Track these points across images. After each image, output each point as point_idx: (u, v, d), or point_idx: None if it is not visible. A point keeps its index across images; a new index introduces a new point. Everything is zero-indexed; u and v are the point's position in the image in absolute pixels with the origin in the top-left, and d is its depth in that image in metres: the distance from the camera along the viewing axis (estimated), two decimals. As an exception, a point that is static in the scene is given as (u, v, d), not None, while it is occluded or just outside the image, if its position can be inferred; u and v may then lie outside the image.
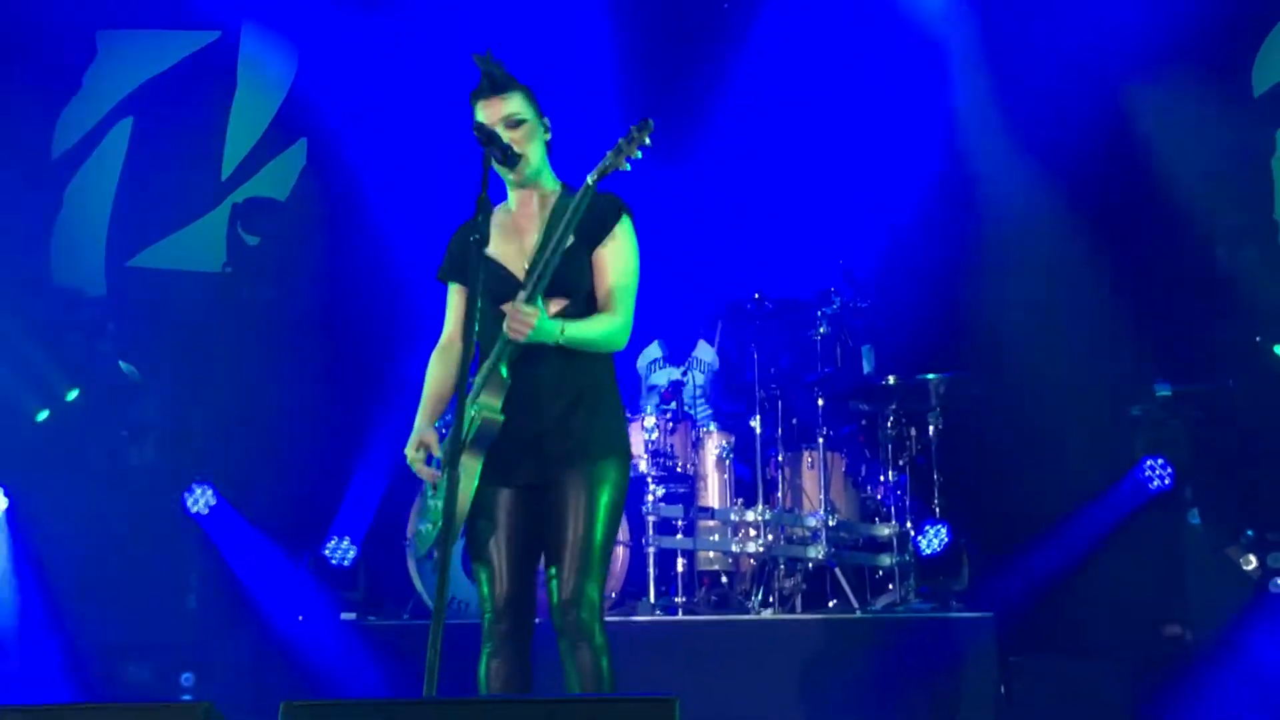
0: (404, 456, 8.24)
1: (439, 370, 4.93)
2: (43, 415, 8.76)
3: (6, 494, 8.29)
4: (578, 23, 9.27)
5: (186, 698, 7.85)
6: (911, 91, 9.27)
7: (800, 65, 9.31)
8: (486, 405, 4.60)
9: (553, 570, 4.60)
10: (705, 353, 8.44)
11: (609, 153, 4.62)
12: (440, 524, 4.52)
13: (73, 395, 8.93)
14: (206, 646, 8.18)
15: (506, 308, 4.55)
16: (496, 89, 4.80)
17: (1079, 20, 8.99)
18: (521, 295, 4.55)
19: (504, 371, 4.60)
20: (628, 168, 4.62)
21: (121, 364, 9.06)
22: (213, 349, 8.95)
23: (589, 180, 4.61)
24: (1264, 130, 9.24)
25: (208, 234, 9.63)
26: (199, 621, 8.44)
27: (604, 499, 4.65)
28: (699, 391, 8.21)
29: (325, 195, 9.65)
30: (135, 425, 9.00)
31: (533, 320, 4.50)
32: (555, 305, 4.67)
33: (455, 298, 4.98)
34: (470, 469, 4.60)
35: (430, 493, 4.76)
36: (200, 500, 8.24)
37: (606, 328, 4.73)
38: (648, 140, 4.59)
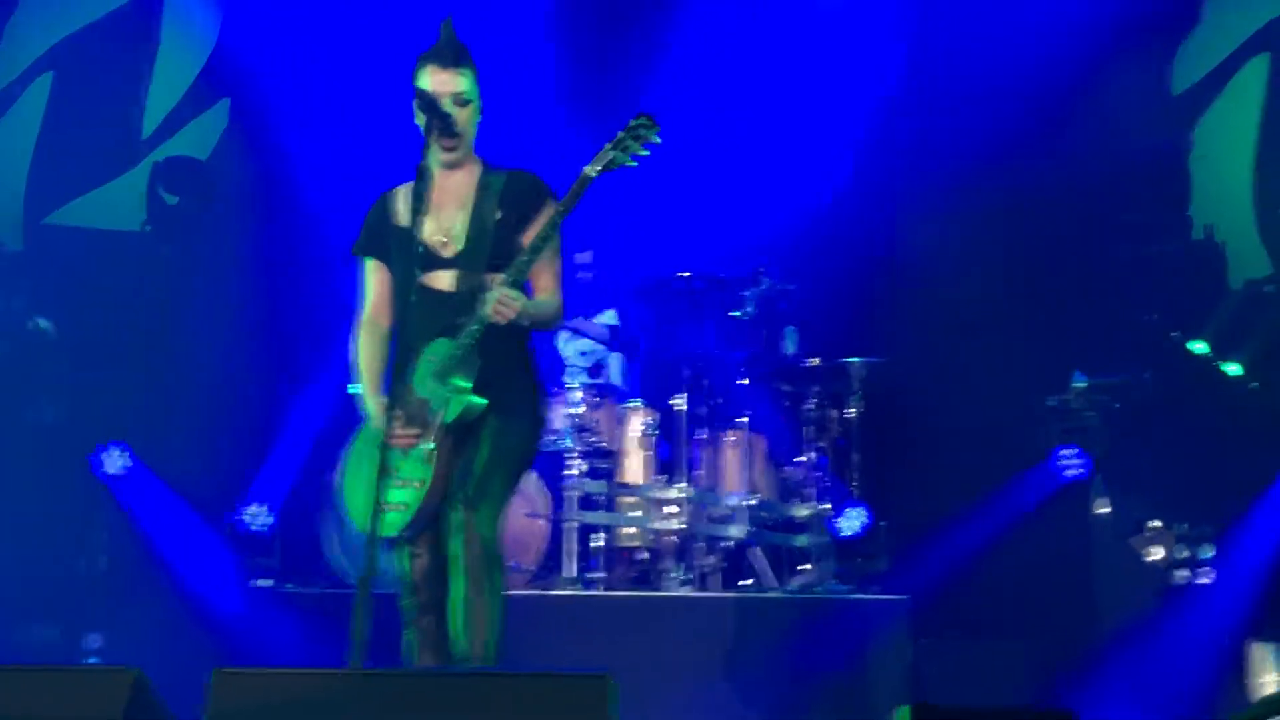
0: (319, 423, 8.18)
1: (370, 346, 4.95)
2: None
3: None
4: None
5: (93, 659, 7.73)
6: (840, 78, 9.27)
7: (734, 43, 9.29)
8: (461, 387, 4.65)
9: (468, 490, 4.62)
10: (611, 319, 8.37)
11: (608, 146, 4.62)
12: (412, 505, 4.57)
13: None
14: (117, 609, 8.05)
15: (493, 293, 4.57)
16: (456, 62, 4.81)
17: (1002, 15, 9.03)
18: (501, 279, 4.61)
19: (476, 355, 4.66)
20: (634, 164, 4.63)
21: (40, 320, 8.90)
22: (132, 308, 8.82)
23: (589, 172, 4.62)
24: (1182, 128, 9.35)
25: (127, 192, 9.47)
26: (110, 583, 8.30)
27: (515, 437, 4.77)
28: (623, 366, 8.18)
29: (247, 156, 9.52)
30: (49, 384, 8.84)
31: (518, 306, 4.57)
32: (493, 279, 4.69)
33: (374, 273, 5.00)
34: (446, 450, 4.66)
35: (398, 470, 4.65)
36: (115, 461, 8.09)
37: (555, 309, 4.85)
38: (656, 139, 4.62)
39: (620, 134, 4.61)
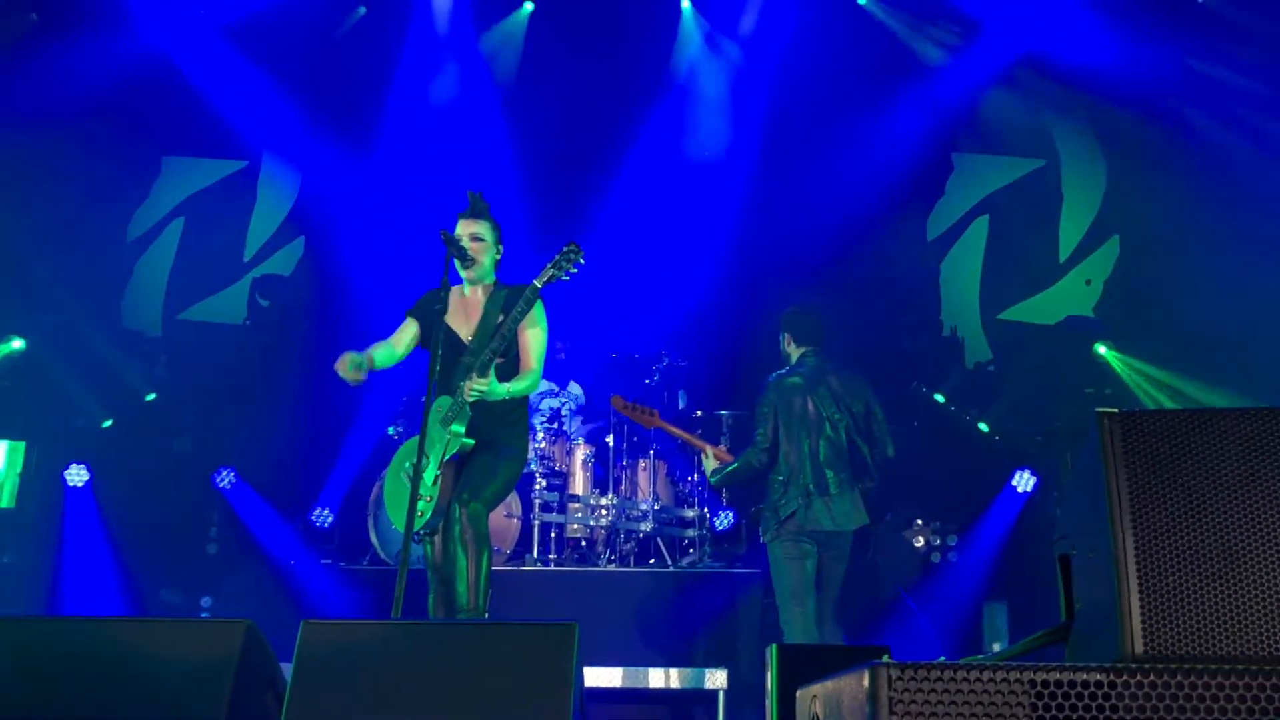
0: (365, 454, 7.96)
1: (379, 347, 4.90)
2: (107, 423, 8.43)
3: (88, 470, 7.94)
4: (491, 160, 9.17)
5: (205, 615, 7.53)
6: (706, 231, 9.26)
7: (646, 199, 9.26)
8: (456, 432, 4.63)
9: (464, 494, 4.57)
10: (575, 389, 8.34)
11: (549, 265, 4.62)
12: (426, 512, 4.51)
13: (151, 397, 8.63)
14: (222, 580, 7.87)
15: (465, 381, 4.60)
16: (473, 215, 4.86)
17: (813, 182, 9.05)
18: (478, 367, 4.61)
19: (469, 410, 4.64)
20: (566, 279, 4.64)
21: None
22: (236, 376, 8.68)
23: (536, 284, 4.62)
24: (934, 262, 9.52)
25: (234, 298, 9.39)
26: (218, 563, 8.12)
27: (502, 463, 4.71)
28: (571, 415, 8.11)
29: (316, 273, 9.42)
30: (182, 426, 8.68)
31: (484, 386, 4.58)
32: (490, 355, 4.68)
33: (409, 325, 4.98)
34: (449, 475, 4.66)
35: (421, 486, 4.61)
36: (225, 479, 7.95)
37: (531, 383, 4.83)
38: (582, 260, 4.61)
39: (556, 257, 4.61)
